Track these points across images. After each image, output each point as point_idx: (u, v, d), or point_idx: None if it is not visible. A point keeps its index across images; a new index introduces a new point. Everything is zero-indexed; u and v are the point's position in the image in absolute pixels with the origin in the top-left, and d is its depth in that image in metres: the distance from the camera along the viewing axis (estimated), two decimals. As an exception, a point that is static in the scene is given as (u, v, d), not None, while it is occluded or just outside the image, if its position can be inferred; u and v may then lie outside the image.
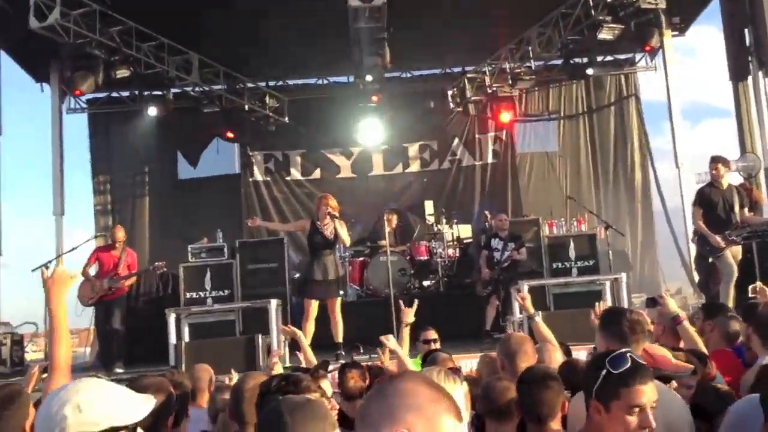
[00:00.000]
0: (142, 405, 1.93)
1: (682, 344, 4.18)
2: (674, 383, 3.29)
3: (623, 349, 2.50)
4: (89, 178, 14.18)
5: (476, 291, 10.07)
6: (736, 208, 8.41)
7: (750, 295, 4.83)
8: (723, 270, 8.33)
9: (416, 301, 5.41)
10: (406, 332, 5.03)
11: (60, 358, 2.60)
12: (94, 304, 9.43)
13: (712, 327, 4.59)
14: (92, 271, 9.70)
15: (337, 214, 8.35)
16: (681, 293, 12.51)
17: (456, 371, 2.53)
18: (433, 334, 6.02)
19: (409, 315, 5.11)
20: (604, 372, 2.38)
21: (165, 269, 9.64)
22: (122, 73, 11.73)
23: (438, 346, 5.74)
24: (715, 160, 8.52)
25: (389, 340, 4.57)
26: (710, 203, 8.48)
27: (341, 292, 8.82)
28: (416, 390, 1.56)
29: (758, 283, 4.84)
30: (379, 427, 1.53)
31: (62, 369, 2.54)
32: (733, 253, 8.37)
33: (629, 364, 2.38)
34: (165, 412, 3.35)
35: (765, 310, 4.18)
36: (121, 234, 9.77)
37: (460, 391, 2.23)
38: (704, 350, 4.01)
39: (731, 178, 8.89)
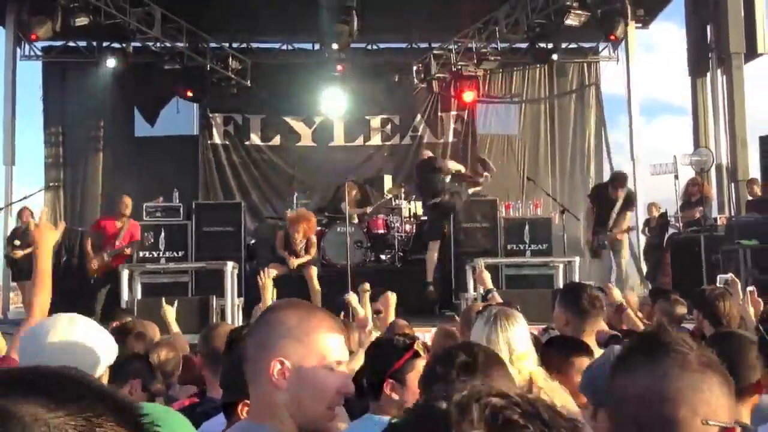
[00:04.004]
0: (109, 352, 1.98)
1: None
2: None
3: None
4: (41, 129, 13.78)
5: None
6: (615, 210, 9.90)
7: (718, 285, 5.03)
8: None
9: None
10: (365, 298, 5.19)
11: (42, 304, 2.66)
12: (101, 276, 9.39)
13: (654, 311, 5.04)
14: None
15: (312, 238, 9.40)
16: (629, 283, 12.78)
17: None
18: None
19: (365, 285, 5.29)
20: None
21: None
22: (81, 20, 11.33)
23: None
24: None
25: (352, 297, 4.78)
26: (600, 202, 10.25)
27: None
28: (285, 316, 1.61)
29: (730, 275, 5.04)
30: (258, 361, 1.58)
31: (43, 313, 2.60)
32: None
33: None
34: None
35: (712, 296, 4.38)
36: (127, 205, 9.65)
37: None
38: None
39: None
